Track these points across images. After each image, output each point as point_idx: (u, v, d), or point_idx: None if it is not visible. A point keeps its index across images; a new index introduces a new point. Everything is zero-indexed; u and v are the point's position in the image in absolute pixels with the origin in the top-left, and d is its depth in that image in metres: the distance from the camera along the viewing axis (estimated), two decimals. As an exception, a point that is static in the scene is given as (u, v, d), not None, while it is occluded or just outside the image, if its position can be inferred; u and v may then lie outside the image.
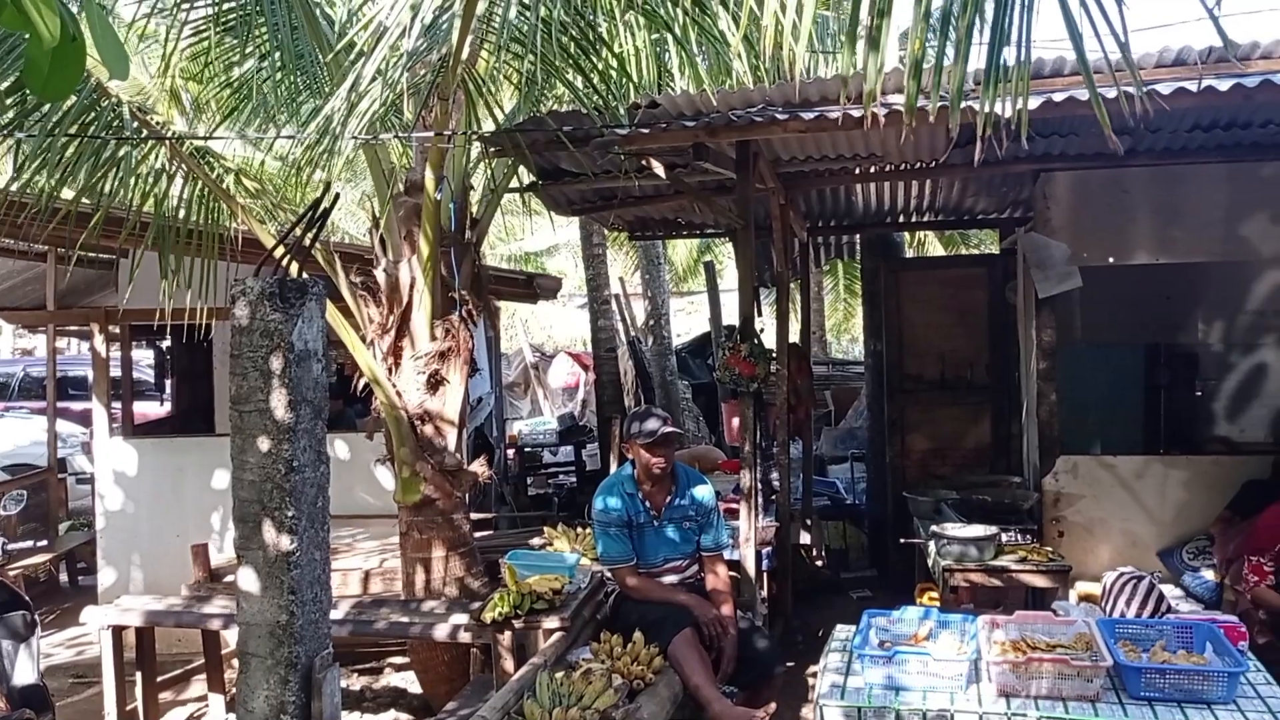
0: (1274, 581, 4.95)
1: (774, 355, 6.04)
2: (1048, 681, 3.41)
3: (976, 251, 15.01)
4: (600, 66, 5.35)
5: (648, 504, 4.73)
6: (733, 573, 5.18)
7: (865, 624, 3.82)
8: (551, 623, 4.25)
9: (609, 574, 4.83)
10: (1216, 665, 3.53)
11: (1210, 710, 3.34)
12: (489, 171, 6.47)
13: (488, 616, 4.25)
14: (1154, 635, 3.82)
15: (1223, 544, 5.76)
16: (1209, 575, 5.83)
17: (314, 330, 3.08)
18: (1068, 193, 6.33)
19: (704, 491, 4.85)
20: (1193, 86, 4.48)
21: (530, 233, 19.84)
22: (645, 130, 4.98)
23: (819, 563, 7.63)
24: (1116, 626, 3.88)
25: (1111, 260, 6.33)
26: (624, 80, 5.65)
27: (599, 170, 6.10)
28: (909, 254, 13.85)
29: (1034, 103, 4.37)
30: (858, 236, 8.98)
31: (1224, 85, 4.41)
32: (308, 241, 3.26)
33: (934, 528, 5.72)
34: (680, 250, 20.16)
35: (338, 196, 3.88)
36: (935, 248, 16.13)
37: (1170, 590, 5.82)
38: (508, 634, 4.25)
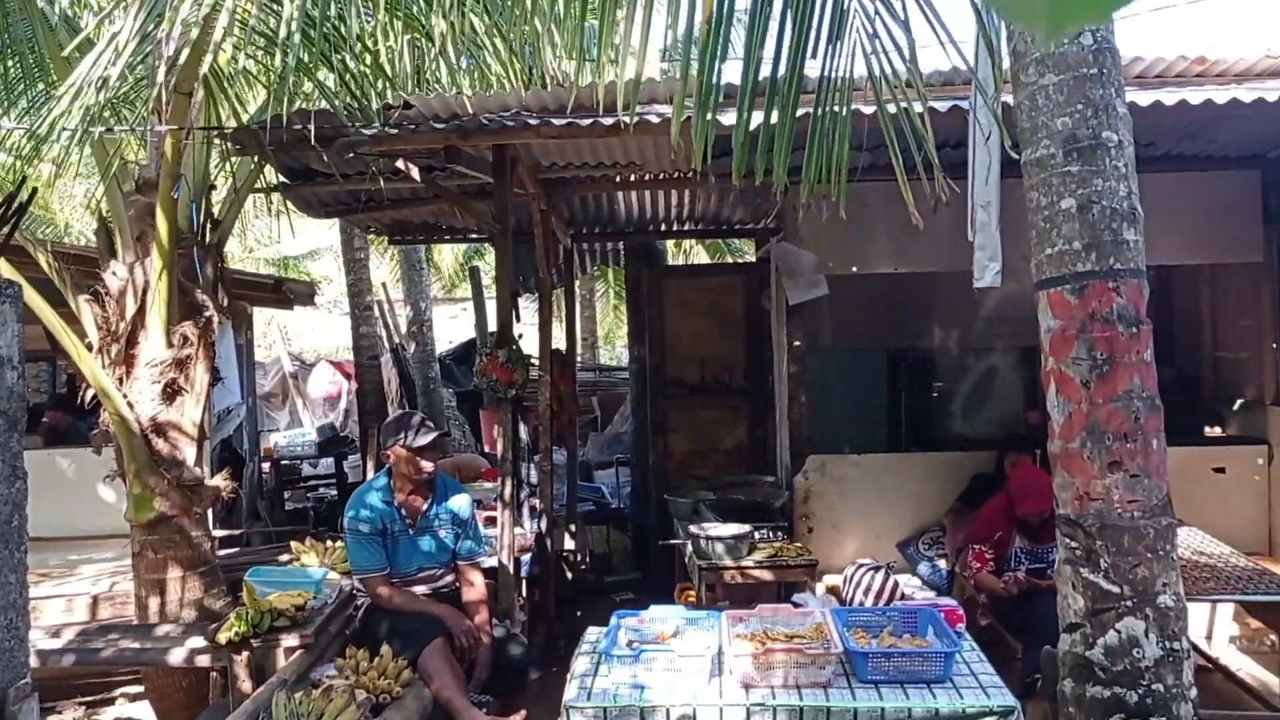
0: (994, 568, 5.42)
1: (533, 361, 6.10)
2: (784, 671, 3.60)
3: (739, 260, 15.68)
4: (353, 66, 5.24)
5: (403, 512, 4.68)
6: (490, 580, 5.18)
7: (614, 625, 3.92)
8: (292, 640, 4.12)
9: (360, 585, 4.73)
10: (936, 647, 3.84)
11: (929, 689, 3.63)
12: (232, 171, 6.21)
13: (223, 637, 4.08)
14: (883, 622, 4.11)
15: (953, 534, 6.27)
16: (942, 564, 6.33)
17: (7, 336, 2.87)
18: (815, 204, 6.71)
19: (461, 500, 4.84)
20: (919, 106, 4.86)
21: (293, 235, 19.11)
22: (394, 131, 4.92)
23: (583, 567, 7.75)
24: (850, 615, 4.15)
25: (855, 269, 6.75)
26: (380, 80, 5.56)
27: (351, 172, 5.98)
28: (673, 261, 14.29)
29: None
30: (621, 243, 9.21)
31: (943, 106, 4.81)
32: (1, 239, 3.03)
33: (691, 528, 5.93)
34: (447, 255, 19.95)
35: (35, 191, 3.62)
36: (701, 256, 16.71)
37: (908, 579, 6.29)
38: (245, 654, 4.09)
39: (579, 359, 16.72)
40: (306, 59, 5.08)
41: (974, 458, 6.74)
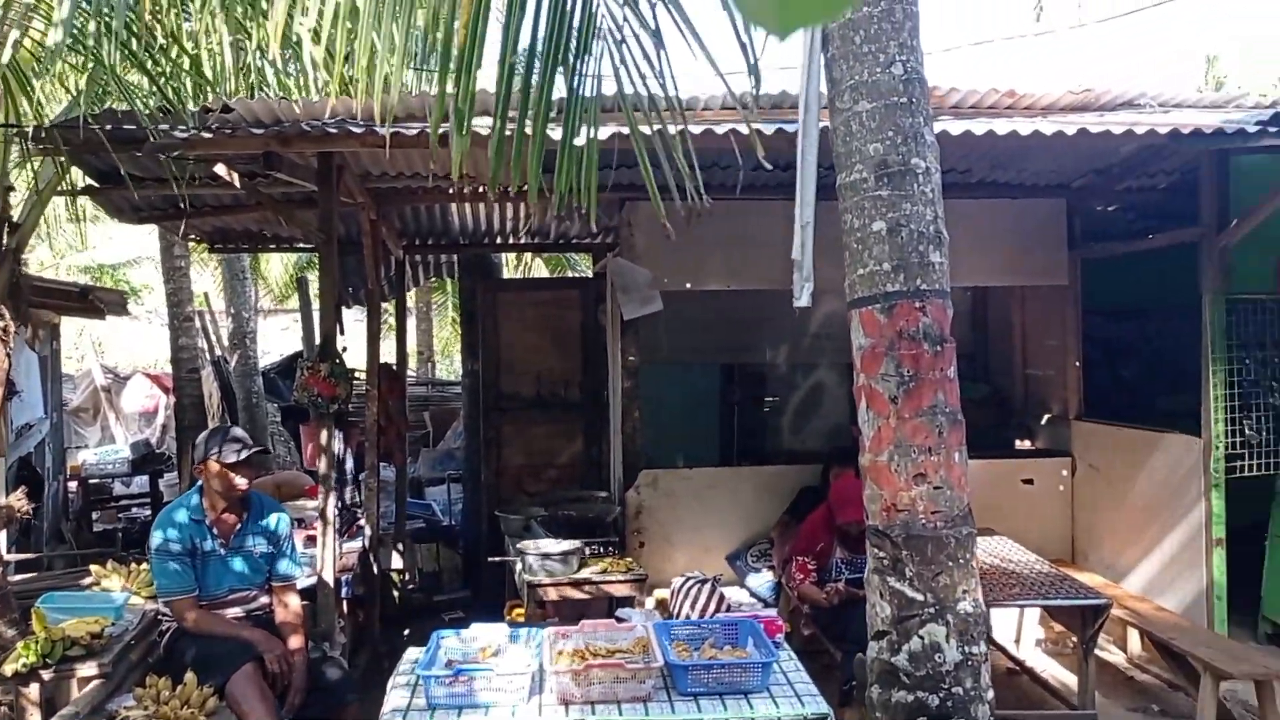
0: (816, 579, 5.61)
1: (356, 375, 5.99)
2: (604, 686, 3.64)
3: (577, 275, 15.78)
4: (167, 66, 5.05)
5: (215, 531, 4.52)
6: (308, 602, 5.05)
7: (434, 645, 3.88)
8: (89, 669, 3.92)
9: (166, 609, 4.53)
10: (755, 658, 3.95)
11: (747, 699, 3.73)
12: (34, 172, 5.88)
13: (9, 669, 3.84)
14: (704, 634, 4.20)
15: (780, 546, 6.46)
16: (769, 575, 6.51)
17: None
18: (649, 221, 6.81)
19: (277, 519, 4.70)
20: (744, 129, 5.02)
21: (110, 240, 18.17)
22: (210, 135, 4.76)
23: (410, 586, 7.63)
24: (672, 628, 4.23)
25: (689, 285, 6.90)
26: (201, 82, 5.37)
27: (167, 176, 5.74)
28: (513, 275, 14.27)
29: (604, 134, 4.70)
30: (456, 256, 9.14)
31: (769, 129, 4.97)
32: None
33: (520, 545, 5.92)
34: (277, 265, 19.34)
35: None
36: (542, 270, 16.74)
37: (736, 591, 6.44)
38: (34, 686, 3.86)
39: (413, 373, 16.49)
40: (117, 57, 4.86)
41: (802, 471, 6.97)
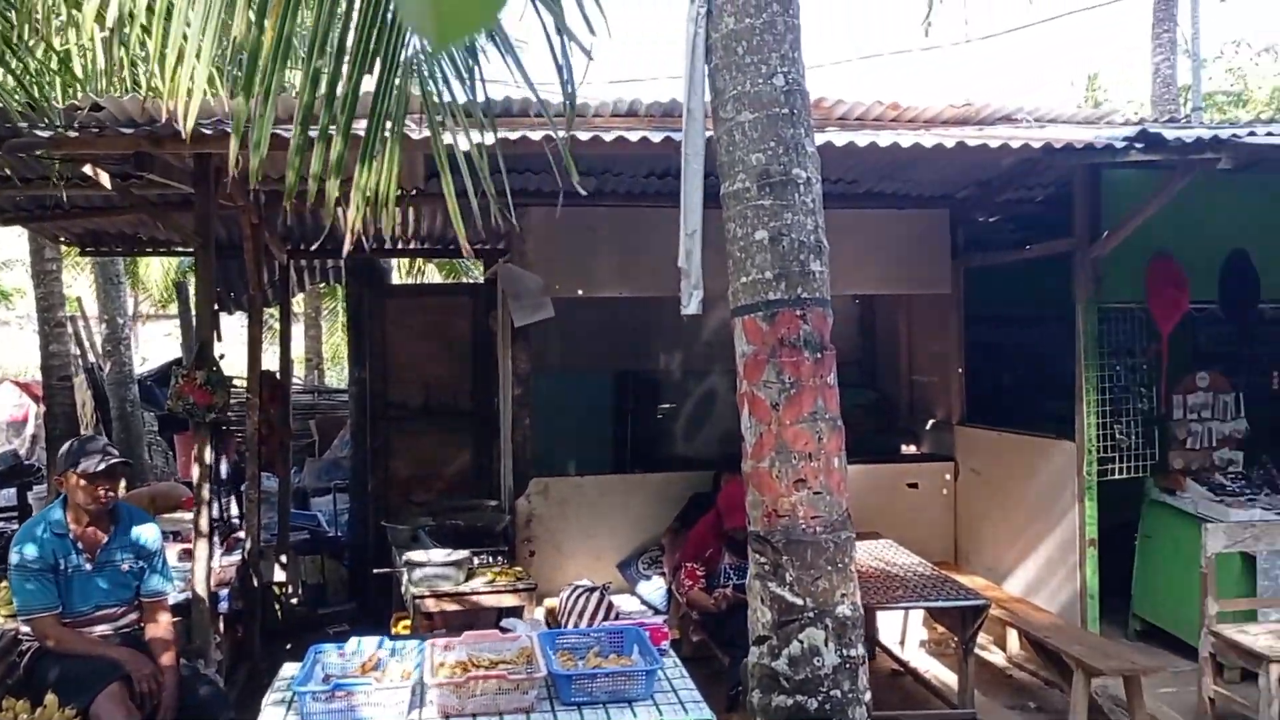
0: (705, 585, 5.67)
1: (235, 383, 5.83)
2: (486, 698, 3.61)
3: (470, 280, 15.63)
4: (33, 64, 4.87)
5: (80, 545, 4.34)
6: (181, 618, 4.90)
7: (310, 660, 3.80)
8: (-61, 695, 3.73)
9: (26, 628, 4.34)
10: (639, 666, 3.96)
11: (631, 707, 3.74)
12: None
13: None
14: (590, 643, 4.20)
15: (670, 553, 6.50)
16: (660, 583, 6.54)
17: None
18: (541, 227, 6.80)
19: (148, 532, 4.54)
20: (634, 136, 5.06)
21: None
22: (77, 134, 4.58)
23: (294, 600, 7.46)
24: (557, 638, 4.21)
25: (581, 292, 6.91)
26: (70, 79, 5.18)
27: (33, 175, 5.53)
28: (405, 281, 14.08)
29: (492, 139, 4.67)
30: (343, 261, 8.96)
31: (657, 137, 5.01)
32: None
33: (407, 555, 5.84)
34: (156, 269, 18.72)
35: None
36: (435, 275, 16.55)
37: (627, 599, 6.46)
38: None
39: (299, 380, 16.13)
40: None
41: (694, 477, 7.02)
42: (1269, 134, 5.72)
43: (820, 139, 4.98)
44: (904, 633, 6.82)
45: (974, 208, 7.54)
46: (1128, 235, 6.05)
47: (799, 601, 3.54)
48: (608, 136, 4.90)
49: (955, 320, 7.62)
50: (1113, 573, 6.75)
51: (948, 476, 7.52)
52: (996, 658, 6.81)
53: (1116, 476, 6.46)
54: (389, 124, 3.62)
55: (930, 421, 8.07)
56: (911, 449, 8.14)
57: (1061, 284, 6.46)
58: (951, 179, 7.10)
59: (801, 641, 3.51)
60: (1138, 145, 5.45)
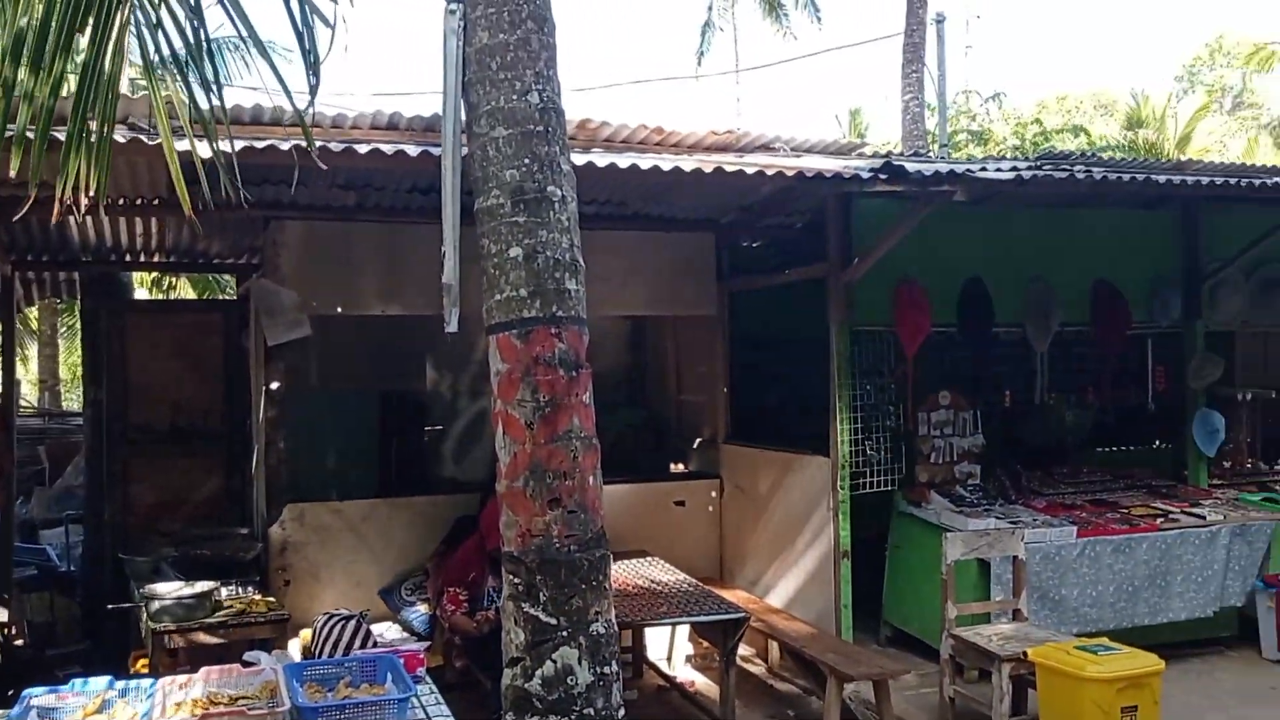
0: (468, 609, 5.61)
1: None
2: (223, 736, 3.44)
3: (223, 296, 14.93)
4: None
5: None
6: None
7: (22, 705, 3.51)
8: None
9: None
10: (391, 694, 3.87)
11: (382, 737, 3.65)
12: None
13: None
14: (341, 673, 4.07)
15: (435, 578, 6.40)
16: (423, 609, 6.43)
17: None
18: (298, 241, 6.58)
19: None
20: (390, 149, 4.98)
21: None
22: None
23: (18, 641, 6.86)
24: (305, 670, 4.06)
25: (340, 310, 6.72)
26: None
27: None
28: (152, 296, 13.31)
29: (240, 145, 4.50)
30: (77, 275, 8.38)
31: (414, 151, 4.95)
32: None
33: (146, 588, 5.51)
34: None
35: None
36: (188, 291, 15.71)
37: (388, 627, 6.31)
38: None
39: (29, 403, 14.95)
40: None
41: (461, 500, 6.93)
42: (998, 169, 6.24)
43: (583, 159, 5.09)
44: (671, 648, 6.96)
45: (738, 232, 7.85)
46: (877, 262, 6.44)
47: (553, 621, 3.56)
48: (362, 149, 4.80)
49: (721, 341, 7.88)
50: (868, 582, 7.16)
51: (713, 494, 7.76)
52: (760, 669, 7.07)
53: (868, 490, 6.85)
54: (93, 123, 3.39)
55: (698, 440, 8.31)
56: (680, 467, 8.35)
57: (818, 307, 6.80)
58: (716, 203, 7.36)
59: (555, 661, 3.54)
60: (882, 176, 5.84)
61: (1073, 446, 9.14)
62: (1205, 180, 6.50)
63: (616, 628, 3.73)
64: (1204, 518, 7.03)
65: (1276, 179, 6.62)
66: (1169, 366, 8.19)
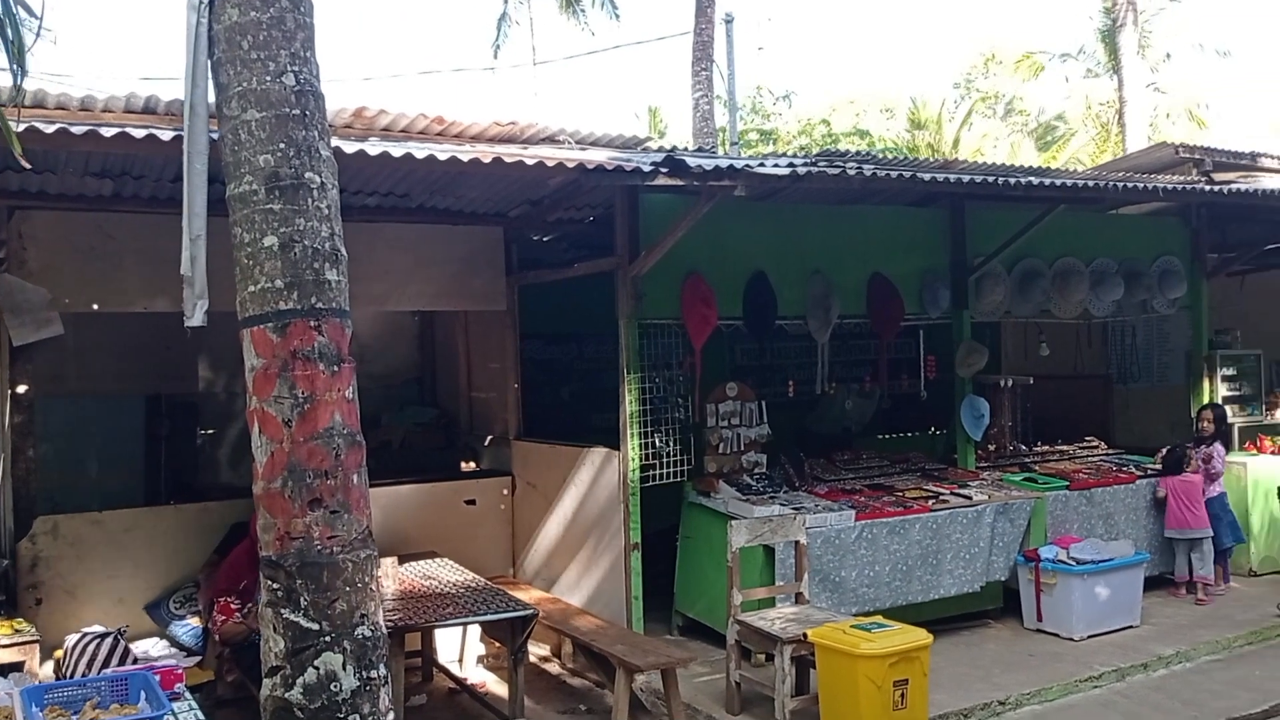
0: (240, 618, 5.35)
1: None
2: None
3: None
4: None
5: None
6: None
7: None
8: None
9: None
10: (145, 713, 3.65)
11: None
12: None
13: None
14: (87, 694, 3.81)
15: (206, 589, 6.09)
16: (194, 622, 6.11)
17: None
18: (47, 234, 6.14)
19: None
20: (139, 134, 4.68)
21: None
22: None
23: None
24: (46, 693, 3.78)
25: (97, 307, 6.30)
26: None
27: None
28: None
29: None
30: None
31: (167, 135, 4.67)
32: None
33: None
34: None
35: None
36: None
37: (153, 643, 5.96)
38: None
39: None
40: None
41: (238, 505, 6.60)
42: (776, 165, 6.41)
43: (352, 148, 4.92)
44: (462, 650, 6.86)
45: (528, 225, 7.80)
46: (665, 256, 6.52)
47: (314, 626, 3.42)
48: (107, 132, 4.50)
49: (511, 336, 7.82)
50: (664, 573, 7.26)
51: (505, 491, 7.69)
52: (555, 666, 7.05)
53: (658, 483, 6.93)
54: None
55: (489, 438, 8.22)
56: (472, 465, 8.24)
57: (609, 301, 6.83)
58: (504, 196, 7.29)
59: (318, 668, 3.40)
60: (663, 170, 5.89)
61: (857, 434, 9.57)
62: (966, 178, 6.90)
63: (385, 630, 3.62)
64: (970, 498, 7.44)
65: (1029, 178, 7.09)
66: (940, 356, 8.65)
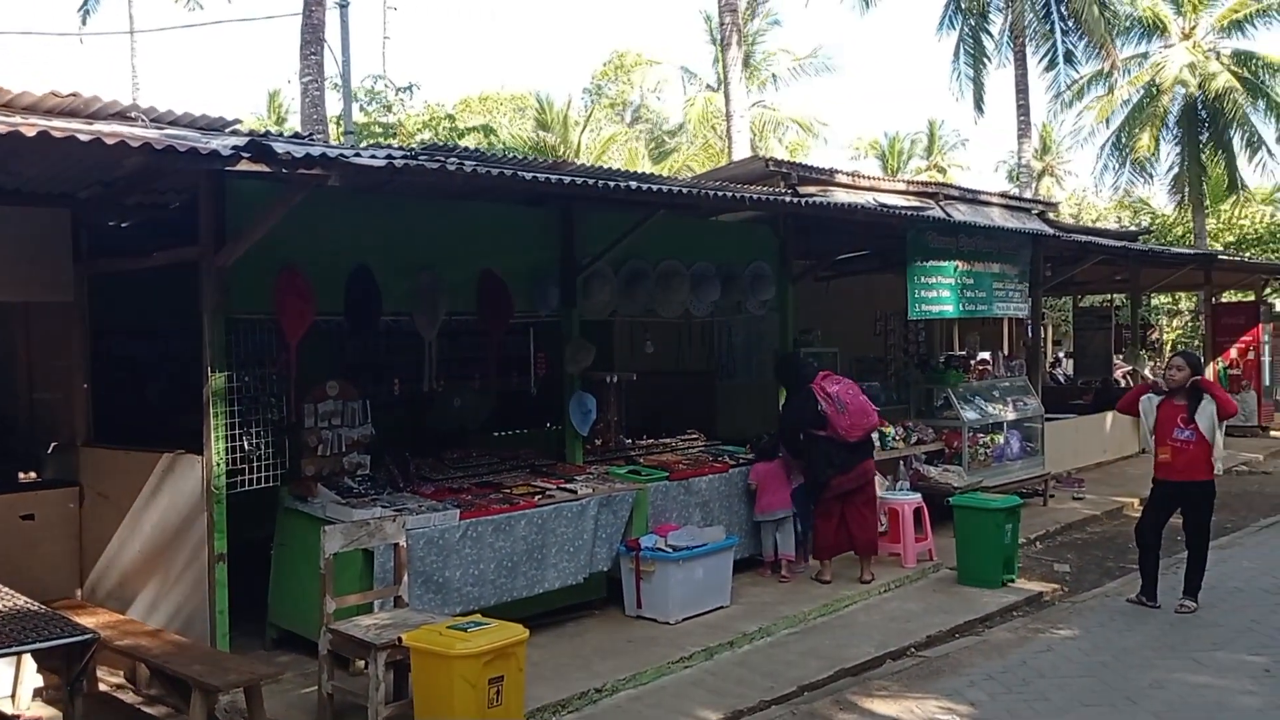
0: None
1: None
2: None
3: None
4: None
5: None
6: None
7: None
8: None
9: None
10: None
11: None
12: None
13: None
14: None
15: None
16: None
17: None
18: None
19: None
20: None
21: None
22: None
23: None
24: None
25: None
26: None
27: None
28: None
29: None
30: None
31: None
32: None
33: None
34: None
35: None
36: None
37: None
38: None
39: None
40: None
41: None
42: (372, 157, 6.23)
43: None
44: (15, 684, 6.13)
45: (101, 209, 7.12)
46: (259, 248, 6.16)
47: None
48: None
49: (79, 331, 7.10)
50: (259, 585, 6.87)
51: (71, 504, 6.97)
52: (129, 695, 6.47)
53: (248, 488, 6.54)
54: None
55: (53, 444, 7.39)
56: (33, 476, 7.38)
57: (196, 294, 6.35)
58: (69, 176, 6.59)
59: None
60: (246, 154, 5.52)
61: (473, 431, 9.57)
62: (569, 180, 7.04)
63: None
64: (575, 492, 7.65)
65: (630, 183, 7.37)
66: (550, 353, 8.82)
